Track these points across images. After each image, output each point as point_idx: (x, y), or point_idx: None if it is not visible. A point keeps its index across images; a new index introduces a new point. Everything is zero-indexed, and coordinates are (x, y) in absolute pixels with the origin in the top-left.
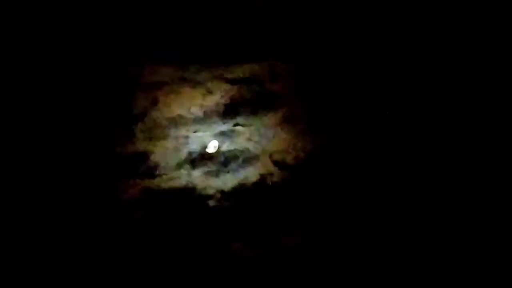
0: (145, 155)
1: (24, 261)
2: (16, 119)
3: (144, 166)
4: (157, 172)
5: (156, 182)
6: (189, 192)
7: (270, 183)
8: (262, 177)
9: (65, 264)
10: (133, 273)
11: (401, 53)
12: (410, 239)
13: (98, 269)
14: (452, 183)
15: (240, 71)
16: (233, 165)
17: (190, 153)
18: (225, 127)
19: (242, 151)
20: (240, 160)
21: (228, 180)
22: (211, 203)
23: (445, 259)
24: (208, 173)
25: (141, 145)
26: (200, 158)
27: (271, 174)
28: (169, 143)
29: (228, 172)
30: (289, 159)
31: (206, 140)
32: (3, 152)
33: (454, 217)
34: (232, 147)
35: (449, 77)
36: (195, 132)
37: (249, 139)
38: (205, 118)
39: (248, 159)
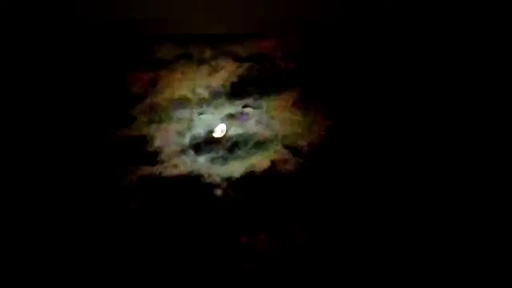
0: (145, 140)
1: (19, 253)
2: (9, 102)
3: (143, 151)
4: (158, 159)
5: (157, 169)
6: (193, 181)
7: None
8: (273, 164)
9: (59, 260)
10: (132, 269)
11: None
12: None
13: (95, 264)
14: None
15: (249, 47)
16: (241, 151)
17: (194, 138)
18: (233, 109)
19: (251, 135)
20: (249, 145)
21: (236, 168)
22: (217, 192)
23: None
24: (214, 160)
25: (140, 129)
26: (206, 143)
27: (283, 160)
28: (172, 127)
29: (236, 158)
30: (302, 144)
31: (212, 124)
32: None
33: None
34: (240, 131)
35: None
36: (200, 114)
37: (259, 122)
38: (211, 99)
39: (258, 144)
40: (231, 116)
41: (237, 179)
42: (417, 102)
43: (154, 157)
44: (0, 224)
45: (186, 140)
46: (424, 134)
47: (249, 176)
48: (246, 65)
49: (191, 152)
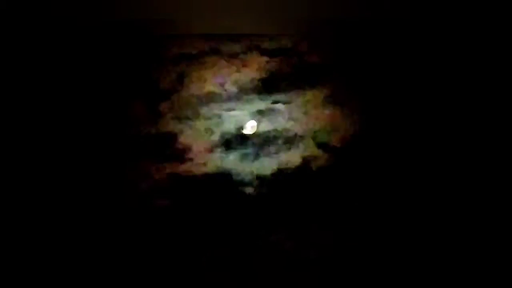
0: (172, 137)
1: (34, 250)
2: (33, 98)
3: (171, 149)
4: (187, 156)
5: (185, 167)
6: (222, 178)
7: None
8: (305, 161)
9: (84, 257)
10: (159, 268)
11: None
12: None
13: (122, 262)
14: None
15: (279, 42)
16: (272, 148)
17: (223, 135)
18: (263, 104)
19: (282, 132)
20: (280, 141)
21: (266, 165)
22: (248, 190)
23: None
24: (244, 157)
25: (168, 126)
26: (235, 140)
27: (315, 157)
28: (200, 124)
29: (267, 155)
30: (335, 140)
31: (242, 120)
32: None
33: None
34: (271, 127)
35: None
36: (229, 110)
37: (290, 118)
38: (241, 94)
39: (289, 140)
40: (261, 112)
41: (268, 176)
42: (450, 97)
43: (182, 155)
44: (21, 223)
45: (215, 137)
46: (460, 130)
47: (281, 174)
48: (275, 60)
49: (221, 149)
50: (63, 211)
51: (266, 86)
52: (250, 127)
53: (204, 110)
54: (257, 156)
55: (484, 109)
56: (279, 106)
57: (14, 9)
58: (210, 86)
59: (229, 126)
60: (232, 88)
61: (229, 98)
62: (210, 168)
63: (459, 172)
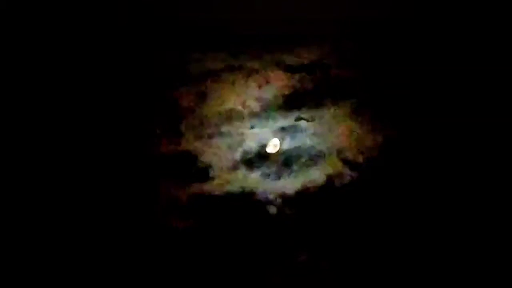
0: (194, 156)
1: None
2: (56, 115)
3: (193, 168)
4: (209, 175)
5: (207, 186)
6: (245, 198)
7: None
8: (329, 179)
9: (99, 278)
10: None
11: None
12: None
13: (145, 282)
14: None
15: (300, 56)
16: (295, 166)
17: (246, 153)
18: (286, 122)
19: (306, 149)
20: (304, 159)
21: (290, 183)
22: (271, 209)
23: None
24: (267, 175)
25: (189, 144)
26: (258, 158)
27: (339, 174)
28: (222, 142)
29: (290, 173)
30: (360, 157)
31: (265, 137)
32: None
33: None
34: (294, 145)
35: None
36: (252, 128)
37: (313, 135)
38: (263, 112)
39: (313, 158)
40: (284, 129)
41: (291, 195)
42: (479, 115)
43: (204, 173)
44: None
45: (238, 155)
46: (485, 149)
47: (305, 192)
48: (297, 75)
49: (243, 167)
50: (85, 229)
51: (289, 103)
52: (273, 145)
53: (225, 128)
54: (280, 174)
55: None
56: (302, 123)
57: (16, 9)
58: (232, 103)
59: (251, 144)
60: (254, 106)
61: (251, 116)
62: (232, 187)
63: (484, 191)
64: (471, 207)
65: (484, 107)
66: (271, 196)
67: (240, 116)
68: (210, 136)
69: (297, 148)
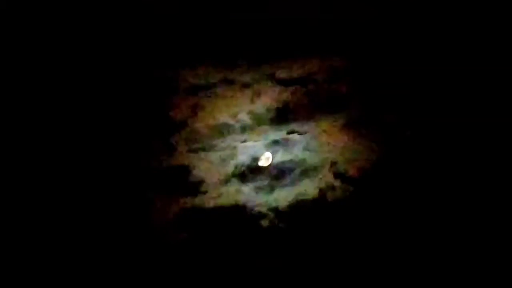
0: (186, 170)
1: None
2: (48, 130)
3: (185, 182)
4: (201, 189)
5: (199, 200)
6: (238, 211)
7: None
8: (322, 192)
9: None
10: None
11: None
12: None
13: None
14: None
15: (293, 69)
16: (288, 179)
17: (238, 166)
18: (278, 135)
19: (298, 163)
20: (296, 172)
21: (282, 197)
22: (264, 223)
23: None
24: (259, 189)
25: (181, 158)
26: (250, 172)
27: (332, 188)
28: (214, 155)
29: (283, 187)
30: (352, 170)
31: (257, 151)
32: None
33: None
34: (286, 158)
35: None
36: (244, 142)
37: (306, 148)
38: (255, 125)
39: (305, 171)
40: (276, 143)
41: (284, 209)
42: (478, 129)
43: (196, 187)
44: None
45: (230, 169)
46: (483, 164)
47: (297, 206)
48: (290, 88)
49: (235, 181)
50: (78, 244)
51: (281, 116)
52: (265, 159)
53: (217, 142)
54: (272, 188)
55: None
56: (295, 136)
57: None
58: (224, 116)
59: (243, 158)
60: (246, 119)
61: (243, 129)
62: (224, 201)
63: (482, 202)
64: (468, 220)
65: (484, 107)
66: (263, 210)
67: (232, 130)
68: (202, 150)
69: (290, 161)
